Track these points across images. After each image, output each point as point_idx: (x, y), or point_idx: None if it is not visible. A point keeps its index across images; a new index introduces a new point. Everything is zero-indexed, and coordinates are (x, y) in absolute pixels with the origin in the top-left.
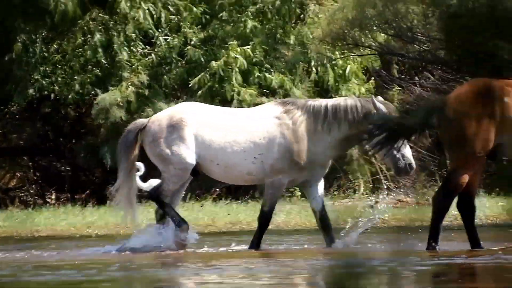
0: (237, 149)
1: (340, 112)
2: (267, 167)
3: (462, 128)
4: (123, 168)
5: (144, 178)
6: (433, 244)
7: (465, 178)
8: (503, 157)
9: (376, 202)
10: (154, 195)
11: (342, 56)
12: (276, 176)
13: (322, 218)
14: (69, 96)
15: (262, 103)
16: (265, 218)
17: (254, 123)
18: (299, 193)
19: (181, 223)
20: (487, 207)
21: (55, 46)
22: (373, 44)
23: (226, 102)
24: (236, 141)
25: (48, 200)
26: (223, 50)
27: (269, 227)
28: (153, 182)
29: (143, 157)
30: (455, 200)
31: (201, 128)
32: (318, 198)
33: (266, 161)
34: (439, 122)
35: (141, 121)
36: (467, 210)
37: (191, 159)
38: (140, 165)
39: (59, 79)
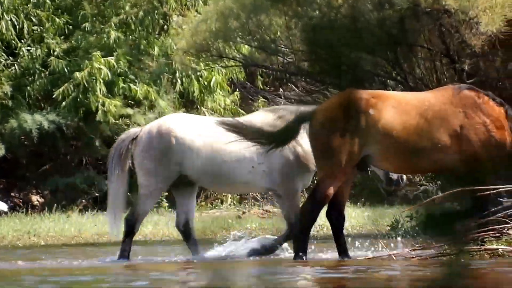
0: (228, 158)
1: None
2: (276, 176)
3: (328, 140)
4: (116, 178)
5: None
6: (300, 254)
7: (332, 189)
8: (371, 167)
9: (243, 212)
10: (132, 221)
11: (207, 68)
12: (288, 184)
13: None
14: None
15: (127, 114)
16: (296, 229)
17: None
18: (166, 204)
19: (124, 258)
20: (353, 217)
21: None
22: (237, 55)
23: (90, 113)
24: (227, 150)
25: None
26: (86, 61)
27: (136, 238)
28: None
29: None
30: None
31: (190, 138)
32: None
33: (272, 170)
34: (308, 133)
35: (133, 130)
36: (336, 220)
37: (175, 172)
38: None
39: None
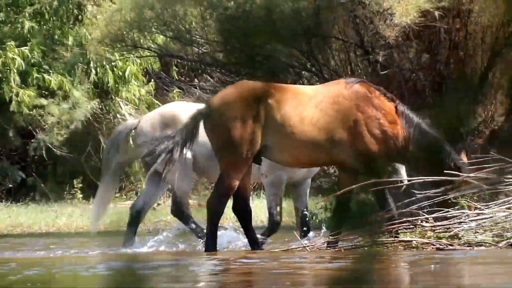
0: None
1: None
2: (265, 164)
3: (228, 131)
4: (110, 170)
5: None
6: (210, 247)
7: (236, 181)
8: (268, 159)
9: (158, 204)
10: (176, 210)
11: (122, 58)
12: (274, 173)
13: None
14: None
15: (41, 104)
16: (275, 221)
17: None
18: (81, 196)
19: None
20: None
21: None
22: (152, 46)
23: (4, 103)
24: None
25: None
26: (0, 51)
27: (50, 230)
28: None
29: None
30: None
31: None
32: (304, 198)
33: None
34: (206, 126)
35: (131, 122)
36: (243, 212)
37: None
38: None
39: None
